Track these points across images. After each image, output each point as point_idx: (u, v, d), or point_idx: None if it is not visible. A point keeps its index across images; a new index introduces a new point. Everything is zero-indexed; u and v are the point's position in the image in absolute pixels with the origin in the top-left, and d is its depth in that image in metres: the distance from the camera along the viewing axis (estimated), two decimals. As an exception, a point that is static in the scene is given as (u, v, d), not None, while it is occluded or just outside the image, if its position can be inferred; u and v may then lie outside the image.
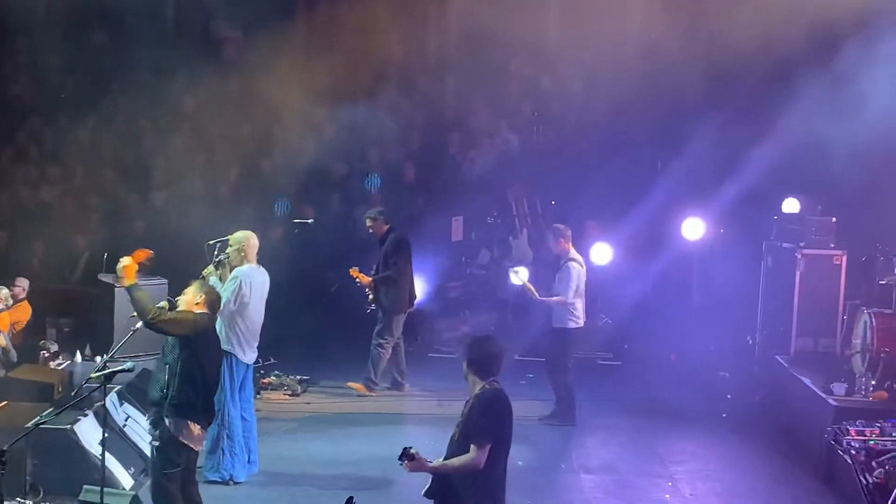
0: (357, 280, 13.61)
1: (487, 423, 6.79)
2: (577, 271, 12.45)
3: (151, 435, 8.42)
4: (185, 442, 8.32)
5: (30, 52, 18.75)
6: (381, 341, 13.53)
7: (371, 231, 13.83)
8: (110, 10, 18.09)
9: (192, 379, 8.28)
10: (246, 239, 10.40)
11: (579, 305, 12.51)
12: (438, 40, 18.77)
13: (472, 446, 6.74)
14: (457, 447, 6.86)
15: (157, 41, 18.04)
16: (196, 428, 8.35)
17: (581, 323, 12.55)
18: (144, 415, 10.76)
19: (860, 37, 12.78)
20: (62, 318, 14.13)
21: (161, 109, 17.94)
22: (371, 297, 13.63)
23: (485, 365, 6.93)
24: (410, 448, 6.72)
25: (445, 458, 6.88)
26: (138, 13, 18.07)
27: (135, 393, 11.09)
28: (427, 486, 6.92)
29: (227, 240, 10.43)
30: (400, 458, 6.71)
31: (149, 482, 8.67)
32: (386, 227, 13.72)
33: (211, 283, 9.62)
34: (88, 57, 18.38)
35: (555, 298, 12.44)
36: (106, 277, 14.34)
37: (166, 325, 8.34)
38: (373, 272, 13.64)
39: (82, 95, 18.09)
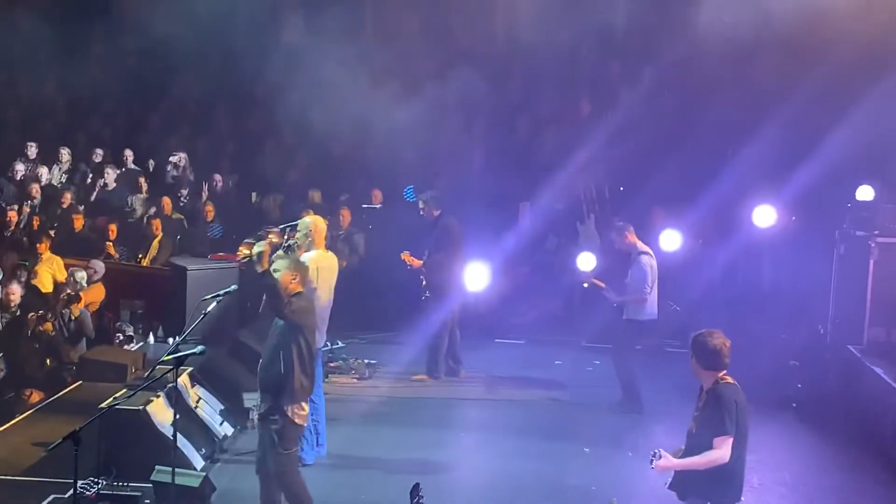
0: (408, 264, 13.62)
1: (728, 417, 7.00)
2: (650, 264, 12.37)
3: (269, 421, 8.36)
4: (301, 423, 8.48)
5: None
6: (438, 329, 13.55)
7: (422, 214, 13.83)
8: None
9: (303, 362, 8.37)
10: (314, 224, 10.46)
11: (652, 297, 12.42)
12: (508, 22, 18.68)
13: (715, 440, 6.95)
14: (696, 440, 7.10)
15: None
16: (307, 407, 8.53)
17: (652, 314, 12.43)
18: (216, 396, 10.98)
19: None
20: (136, 300, 14.36)
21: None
22: (424, 283, 13.61)
23: (711, 358, 7.16)
24: (658, 450, 7.06)
25: (685, 451, 7.15)
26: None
27: (206, 374, 11.25)
28: (670, 480, 7.20)
29: (296, 224, 10.50)
30: (651, 462, 7.04)
31: (270, 469, 8.54)
32: (437, 213, 13.64)
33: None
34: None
35: (631, 297, 12.34)
36: (178, 260, 14.61)
37: (294, 315, 8.38)
38: (424, 257, 13.65)
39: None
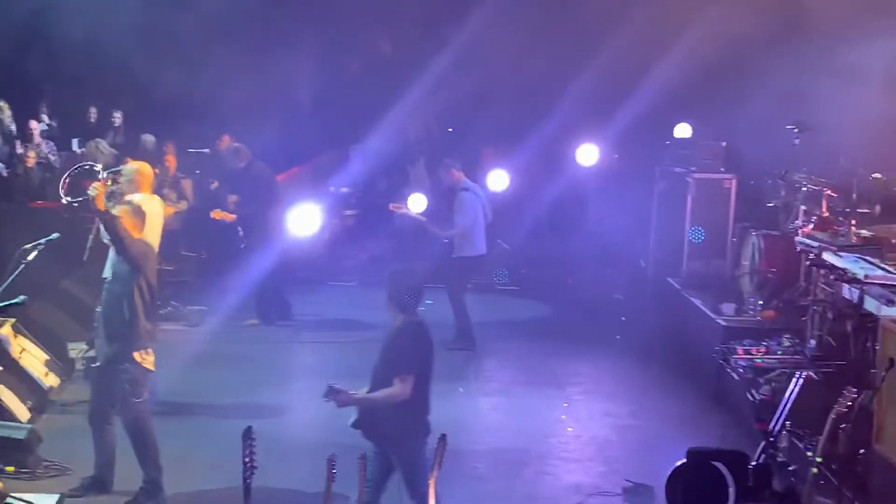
0: (224, 220, 13.40)
1: (411, 357, 7.02)
2: (471, 200, 12.51)
3: (120, 370, 8.13)
4: (150, 368, 8.27)
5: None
6: (262, 274, 13.42)
7: (229, 166, 13.62)
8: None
9: (146, 306, 8.18)
10: (138, 170, 10.20)
11: (478, 233, 12.58)
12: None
13: (395, 379, 6.91)
14: (380, 375, 7.04)
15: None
16: (152, 352, 8.31)
17: (481, 251, 12.62)
18: (40, 347, 10.69)
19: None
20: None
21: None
22: (242, 233, 13.44)
23: (405, 298, 7.13)
24: (335, 384, 6.92)
25: (371, 385, 7.05)
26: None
27: (29, 325, 10.93)
28: (354, 418, 7.09)
29: (120, 170, 10.23)
30: (326, 396, 6.91)
31: (122, 418, 8.34)
32: (242, 165, 13.41)
33: None
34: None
35: (452, 231, 12.50)
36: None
37: (134, 255, 8.13)
38: (238, 207, 13.43)
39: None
